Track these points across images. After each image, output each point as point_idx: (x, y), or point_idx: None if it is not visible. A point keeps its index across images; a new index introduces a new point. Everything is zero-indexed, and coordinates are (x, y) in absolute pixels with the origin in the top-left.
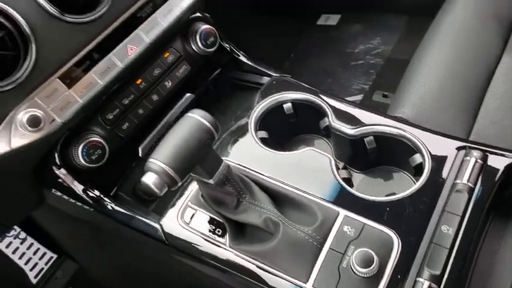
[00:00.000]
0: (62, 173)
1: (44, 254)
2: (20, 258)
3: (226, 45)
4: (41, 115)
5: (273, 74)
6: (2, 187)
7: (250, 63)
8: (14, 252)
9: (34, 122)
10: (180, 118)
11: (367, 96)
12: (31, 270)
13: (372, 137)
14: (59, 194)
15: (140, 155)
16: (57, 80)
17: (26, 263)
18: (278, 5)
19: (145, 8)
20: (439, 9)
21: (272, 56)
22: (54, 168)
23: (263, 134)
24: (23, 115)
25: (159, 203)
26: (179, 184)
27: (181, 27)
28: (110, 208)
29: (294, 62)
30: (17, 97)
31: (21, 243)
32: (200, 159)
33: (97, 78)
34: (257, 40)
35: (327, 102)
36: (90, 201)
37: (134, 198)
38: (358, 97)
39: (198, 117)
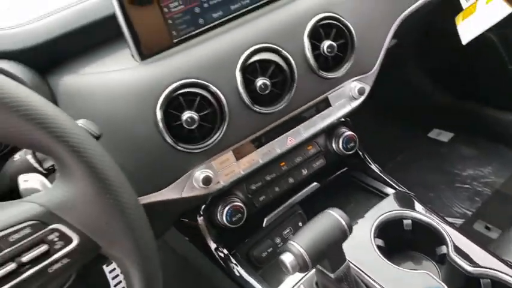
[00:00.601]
0: (200, 220)
1: None
2: (110, 272)
3: (361, 152)
4: (212, 176)
5: (398, 188)
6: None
7: (379, 172)
8: (107, 265)
9: (206, 181)
10: (321, 212)
11: (468, 222)
12: (115, 286)
13: (489, 280)
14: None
15: (264, 225)
16: (231, 152)
17: (113, 278)
18: (393, 106)
19: (310, 110)
20: None
21: (378, 152)
22: (196, 216)
23: (380, 242)
24: (200, 173)
25: (266, 271)
26: (307, 271)
27: (329, 129)
28: (236, 273)
29: (398, 166)
30: (201, 159)
31: None
32: (330, 254)
33: (259, 158)
34: (366, 130)
35: (448, 232)
36: (219, 259)
37: (246, 261)
38: (458, 221)
39: (339, 217)
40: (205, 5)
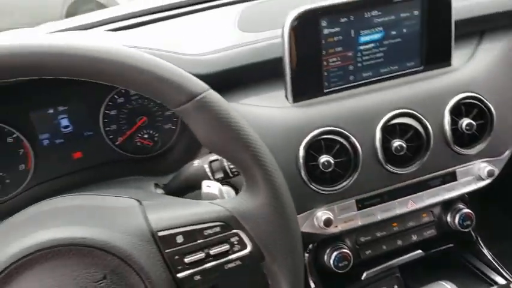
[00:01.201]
0: (306, 257)
1: None
2: None
3: (474, 233)
4: (332, 219)
5: (510, 278)
6: None
7: (490, 258)
8: None
9: (327, 223)
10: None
11: None
12: None
13: None
14: None
15: (362, 278)
16: (354, 201)
17: None
18: (500, 189)
19: (436, 179)
20: None
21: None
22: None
23: None
24: (322, 214)
25: None
26: None
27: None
28: None
29: (498, 253)
30: (325, 201)
31: None
32: None
33: (378, 213)
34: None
35: None
36: None
37: None
38: None
39: None
40: (359, 65)
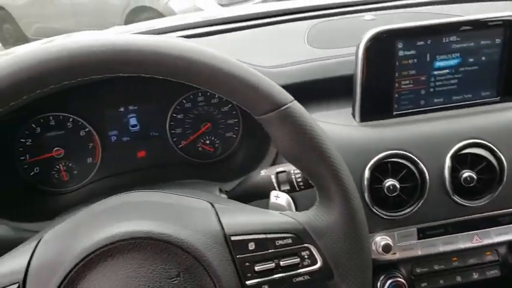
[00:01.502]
0: None
1: None
2: None
3: None
4: (391, 246)
5: None
6: None
7: None
8: None
9: (386, 249)
10: None
11: None
12: None
13: None
14: None
15: None
16: (415, 229)
17: None
18: None
19: (507, 217)
20: None
21: None
22: None
23: None
24: (381, 239)
25: None
26: None
27: None
28: None
29: None
30: (386, 226)
31: None
32: None
33: (440, 245)
34: None
35: None
36: None
37: None
38: None
39: None
40: (431, 90)
